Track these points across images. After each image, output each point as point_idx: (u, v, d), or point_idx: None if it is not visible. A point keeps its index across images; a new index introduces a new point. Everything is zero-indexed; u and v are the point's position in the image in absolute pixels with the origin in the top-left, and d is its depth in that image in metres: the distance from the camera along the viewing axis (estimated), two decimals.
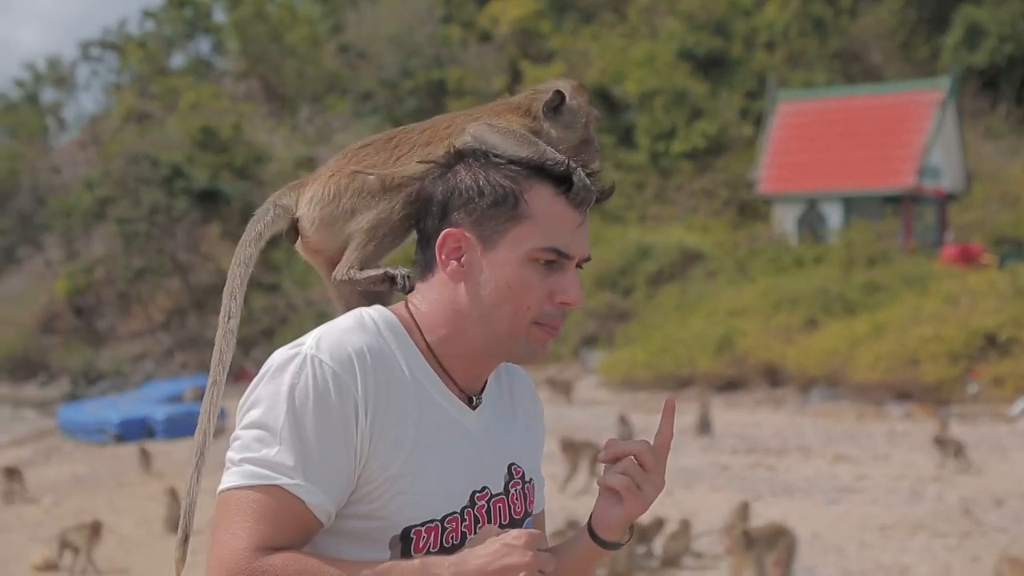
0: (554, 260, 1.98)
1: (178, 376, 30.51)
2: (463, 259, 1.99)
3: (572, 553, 2.12)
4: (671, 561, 10.58)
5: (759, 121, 37.00)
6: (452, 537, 1.98)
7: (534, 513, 2.20)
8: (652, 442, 2.04)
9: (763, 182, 34.01)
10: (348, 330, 1.96)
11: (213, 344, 2.11)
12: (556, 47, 42.84)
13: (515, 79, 42.83)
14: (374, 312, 2.02)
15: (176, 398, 24.52)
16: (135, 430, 21.75)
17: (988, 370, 21.58)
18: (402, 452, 1.93)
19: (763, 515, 11.72)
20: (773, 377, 23.94)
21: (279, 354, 1.94)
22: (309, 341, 1.93)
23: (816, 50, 40.23)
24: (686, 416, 20.28)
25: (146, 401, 24.68)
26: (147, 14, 54.18)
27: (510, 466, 2.09)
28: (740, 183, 36.15)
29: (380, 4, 47.54)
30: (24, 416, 30.67)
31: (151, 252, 40.13)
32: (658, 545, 10.98)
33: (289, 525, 1.87)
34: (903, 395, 21.84)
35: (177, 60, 54.55)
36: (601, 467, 2.08)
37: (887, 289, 25.64)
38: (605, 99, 39.87)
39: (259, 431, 1.89)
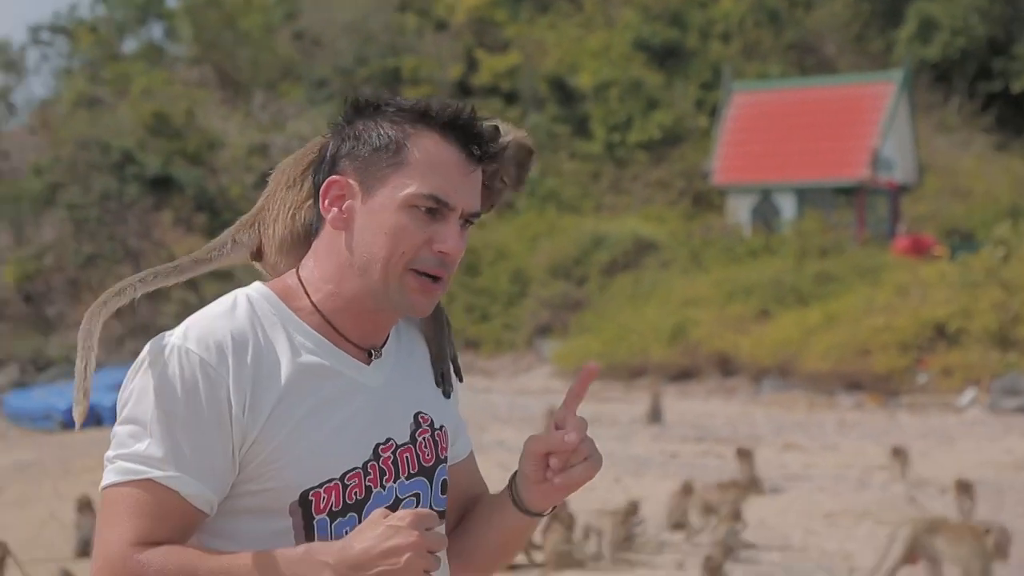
0: (435, 208, 1.94)
1: (128, 364, 30.27)
2: (345, 206, 1.96)
3: (495, 527, 2.12)
4: (620, 545, 10.63)
5: (714, 112, 37.16)
6: (356, 492, 1.96)
7: (459, 458, 2.19)
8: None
9: (717, 173, 34.16)
10: (216, 316, 1.95)
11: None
12: (512, 36, 42.82)
13: (471, 68, 42.81)
14: (250, 290, 2.02)
15: None
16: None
17: (937, 361, 21.82)
18: (287, 424, 1.92)
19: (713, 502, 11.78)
20: (726, 367, 24.08)
21: (151, 345, 1.95)
22: (178, 331, 1.94)
23: (771, 42, 40.45)
24: (637, 405, 20.39)
25: (95, 388, 24.37)
26: None
27: (416, 415, 2.07)
28: (695, 174, 36.29)
29: None
30: None
31: (102, 239, 39.81)
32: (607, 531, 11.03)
33: (167, 518, 1.87)
34: (854, 385, 22.04)
35: (129, 45, 54.13)
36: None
37: (839, 280, 25.84)
38: (561, 89, 39.94)
39: (131, 426, 1.91)
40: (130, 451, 1.89)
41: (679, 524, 11.40)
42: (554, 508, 2.10)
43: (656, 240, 31.12)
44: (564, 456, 1.99)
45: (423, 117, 1.97)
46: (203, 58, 49.58)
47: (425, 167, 1.94)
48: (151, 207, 39.99)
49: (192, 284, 35.39)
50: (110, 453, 1.91)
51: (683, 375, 24.33)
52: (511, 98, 41.61)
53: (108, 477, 1.90)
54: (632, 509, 10.81)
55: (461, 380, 2.26)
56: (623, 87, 38.18)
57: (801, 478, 14.24)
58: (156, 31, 54.56)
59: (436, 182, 1.94)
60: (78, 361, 2.05)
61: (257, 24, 48.32)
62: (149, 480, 1.87)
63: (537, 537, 10.37)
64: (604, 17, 42.42)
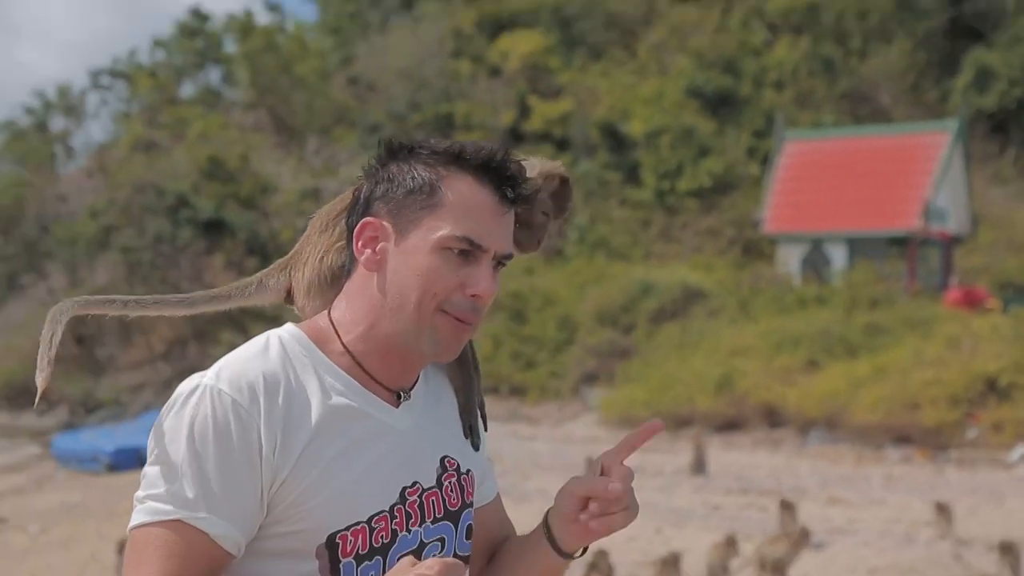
0: (468, 250, 1.96)
1: None
2: (378, 248, 1.98)
3: (525, 566, 2.12)
4: None
5: (766, 160, 37.07)
6: (382, 536, 1.97)
7: (486, 500, 2.20)
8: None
9: (768, 221, 34.03)
10: (249, 358, 1.96)
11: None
12: (565, 83, 43.01)
13: (523, 114, 43.02)
14: (282, 332, 2.03)
15: None
16: (129, 460, 21.73)
17: (988, 415, 21.51)
18: (316, 467, 1.93)
19: (749, 554, 11.67)
20: (772, 418, 23.87)
21: (183, 386, 1.96)
22: (211, 372, 1.95)
23: (825, 90, 40.33)
24: (682, 456, 20.25)
25: (142, 431, 24.57)
26: (157, 43, 54.55)
27: (443, 459, 2.08)
28: (745, 222, 36.17)
29: (390, 37, 47.82)
30: (20, 444, 30.68)
31: (154, 281, 40.19)
32: None
33: (196, 560, 1.87)
34: (902, 439, 21.76)
35: (187, 90, 54.89)
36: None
37: (889, 332, 25.58)
38: (612, 136, 40.02)
39: (162, 466, 1.91)
40: (160, 491, 1.89)
41: None
42: (584, 550, 2.10)
43: (704, 289, 31.00)
44: (605, 504, 1.99)
45: (457, 160, 1.98)
46: (259, 103, 50.18)
47: (458, 209, 1.95)
48: (203, 250, 40.41)
49: (242, 327, 35.65)
50: (140, 494, 1.92)
51: (729, 426, 24.14)
52: (563, 144, 41.74)
53: (137, 517, 1.91)
54: (673, 560, 10.72)
55: (486, 429, 2.27)
56: (674, 134, 38.19)
57: (846, 532, 14.06)
58: (213, 76, 55.33)
59: (469, 224, 1.95)
60: (45, 330, 2.12)
61: (313, 69, 48.86)
62: (178, 521, 1.87)
63: None
64: (657, 64, 42.53)
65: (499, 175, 1.99)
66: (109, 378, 38.97)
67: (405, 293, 1.96)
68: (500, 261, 2.01)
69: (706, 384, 24.91)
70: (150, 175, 41.71)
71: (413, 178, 1.97)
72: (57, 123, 54.91)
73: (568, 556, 2.08)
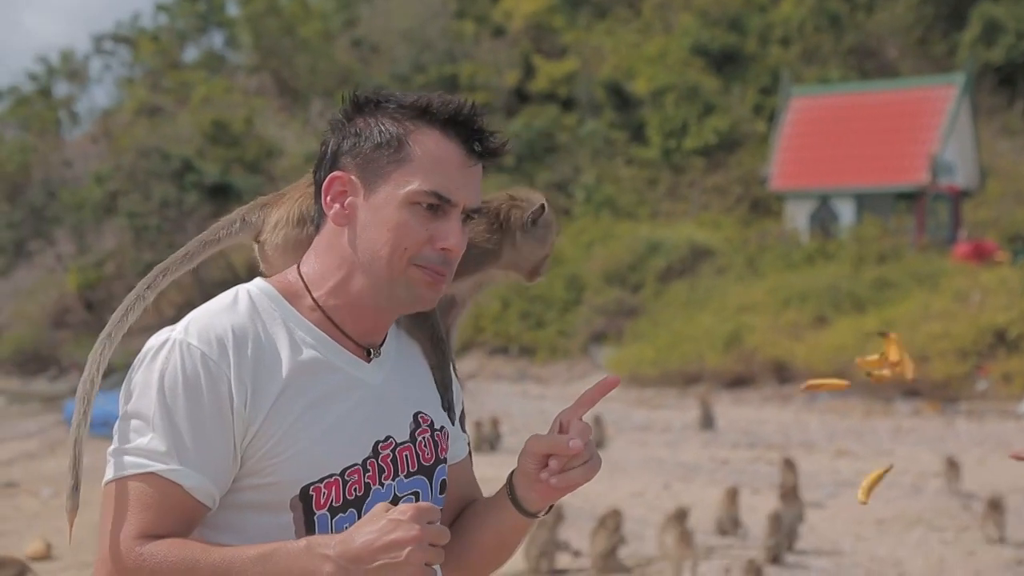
0: (437, 204, 1.96)
1: None
2: (347, 202, 1.98)
3: (490, 526, 2.13)
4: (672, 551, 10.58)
5: (772, 117, 36.96)
6: (356, 489, 1.98)
7: (456, 459, 2.20)
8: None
9: (775, 178, 33.97)
10: (217, 312, 1.98)
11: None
12: (569, 42, 42.88)
13: (528, 74, 42.92)
14: (251, 286, 2.04)
15: None
16: None
17: (997, 367, 21.56)
18: (287, 419, 1.94)
19: (760, 509, 11.76)
20: (781, 374, 23.94)
21: (153, 340, 1.96)
22: (179, 326, 1.96)
23: (831, 46, 40.18)
24: (691, 412, 20.34)
25: None
26: (160, 8, 54.39)
27: (416, 414, 2.09)
28: (752, 179, 36.13)
29: None
30: (32, 410, 30.83)
31: (162, 246, 40.23)
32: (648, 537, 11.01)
33: (170, 511, 1.89)
34: (911, 392, 21.82)
35: (190, 54, 54.78)
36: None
37: (897, 286, 25.61)
38: (618, 95, 39.92)
39: (134, 420, 1.92)
40: (133, 445, 1.90)
41: (725, 530, 11.37)
42: (549, 509, 2.10)
43: (712, 246, 31.00)
44: (564, 459, 1.99)
45: (424, 114, 1.98)
46: (262, 66, 50.07)
47: (427, 164, 1.96)
48: (209, 215, 40.39)
49: None
50: (112, 448, 1.93)
51: (738, 382, 24.21)
52: (568, 104, 41.65)
53: (110, 471, 1.92)
54: (680, 515, 10.77)
55: (461, 387, 2.28)
56: (680, 92, 38.08)
57: (853, 485, 14.10)
58: (217, 39, 55.20)
59: (437, 179, 1.95)
60: (72, 428, 2.02)
61: (316, 32, 48.71)
62: (152, 474, 1.88)
63: (583, 542, 10.41)
64: (662, 23, 42.37)
65: (467, 128, 1.99)
66: (120, 343, 39.03)
67: (376, 248, 1.96)
68: (468, 215, 2.01)
69: (715, 341, 24.97)
70: (155, 140, 41.69)
71: (380, 132, 1.98)
72: (61, 89, 54.90)
73: (532, 515, 2.08)
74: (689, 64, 39.10)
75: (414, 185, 1.95)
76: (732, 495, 11.32)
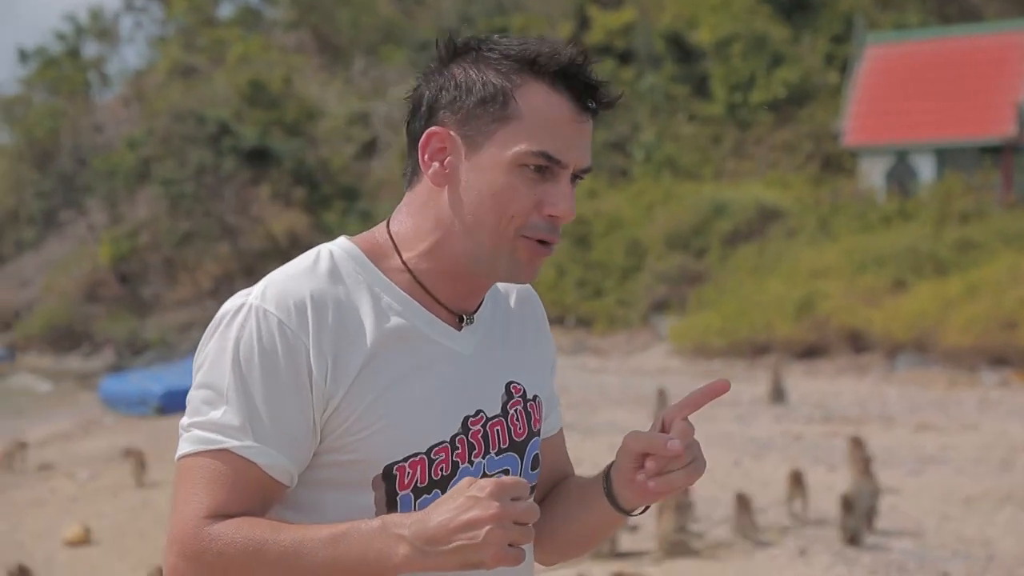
0: (545, 166, 1.91)
1: None
2: (446, 161, 1.93)
3: (582, 515, 2.11)
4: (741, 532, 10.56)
5: (845, 67, 36.60)
6: (442, 468, 1.95)
7: (548, 434, 2.18)
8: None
9: (849, 133, 33.69)
10: (296, 275, 1.94)
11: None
12: None
13: (583, 25, 42.73)
14: (333, 246, 2.00)
15: None
16: (178, 402, 21.96)
17: None
18: (371, 393, 1.91)
19: (837, 486, 11.69)
20: (857, 343, 23.80)
21: (228, 305, 1.93)
22: (256, 290, 1.92)
23: None
24: (760, 385, 20.25)
25: (191, 372, 24.72)
26: None
27: (508, 384, 2.05)
28: (824, 135, 35.83)
29: None
30: (66, 389, 31.23)
31: (198, 215, 40.59)
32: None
33: (244, 490, 1.86)
34: (999, 361, 21.62)
35: (224, 10, 55.18)
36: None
37: (982, 247, 25.36)
38: (679, 46, 39.67)
39: (207, 391, 1.89)
40: (206, 419, 1.87)
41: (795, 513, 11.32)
42: (646, 508, 2.07)
43: (781, 207, 30.79)
44: (663, 461, 1.95)
45: (532, 66, 1.93)
46: (301, 22, 50.18)
47: (535, 122, 1.91)
48: (248, 181, 40.68)
49: (290, 260, 35.60)
50: (185, 421, 1.90)
51: (810, 352, 24.08)
52: (625, 57, 41.43)
53: (183, 446, 1.89)
54: (745, 502, 10.72)
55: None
56: (746, 43, 37.77)
57: (937, 460, 14.02)
58: None
59: (546, 138, 1.91)
60: None
61: None
62: (225, 450, 1.85)
63: (649, 522, 10.40)
64: None
65: (577, 81, 1.94)
66: (155, 318, 39.48)
67: (479, 213, 1.92)
68: (577, 175, 1.97)
69: (785, 309, 24.83)
70: (189, 102, 41.95)
71: (484, 86, 1.92)
72: (90, 49, 55.29)
73: (627, 513, 2.05)
74: (755, 11, 38.76)
75: (521, 146, 1.91)
76: (797, 479, 11.20)
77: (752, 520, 10.58)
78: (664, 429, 1.97)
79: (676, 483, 1.97)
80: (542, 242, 1.95)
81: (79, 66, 53.91)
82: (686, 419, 1.97)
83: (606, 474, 2.05)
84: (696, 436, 1.97)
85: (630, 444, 1.98)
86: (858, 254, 26.19)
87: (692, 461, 1.96)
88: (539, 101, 1.92)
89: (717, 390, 1.98)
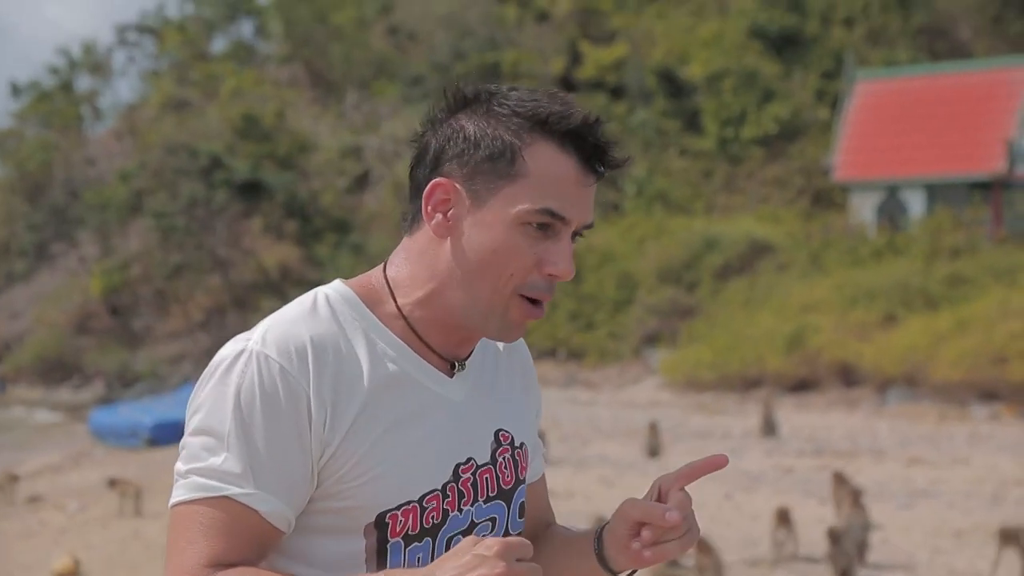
0: (548, 223, 1.91)
1: None
2: (450, 213, 1.93)
3: (569, 570, 2.10)
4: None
5: (836, 103, 36.76)
6: (433, 516, 1.95)
7: (531, 480, 2.18)
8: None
9: (839, 168, 33.79)
10: (296, 320, 1.93)
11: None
12: (618, 26, 42.82)
13: (574, 61, 42.91)
14: (329, 290, 1.99)
15: None
16: (169, 434, 22.01)
17: None
18: (368, 439, 1.90)
19: (828, 520, 11.69)
20: (848, 377, 23.80)
21: (226, 350, 1.91)
22: (256, 335, 1.91)
23: (899, 26, 39.90)
24: (751, 418, 20.26)
25: (182, 404, 24.71)
26: None
27: (497, 432, 2.05)
28: (815, 170, 35.95)
29: None
30: (55, 421, 31.14)
31: (190, 247, 40.58)
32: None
33: (243, 538, 1.85)
34: (989, 395, 21.64)
35: (218, 44, 55.18)
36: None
37: (972, 282, 25.41)
38: (670, 81, 39.84)
39: (206, 437, 1.87)
40: (205, 465, 1.85)
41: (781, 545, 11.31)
42: (633, 572, 2.05)
43: (772, 242, 30.86)
44: (659, 531, 1.93)
45: (542, 126, 1.92)
46: (294, 56, 50.33)
47: (541, 181, 1.90)
48: (240, 214, 40.68)
49: (281, 293, 35.85)
50: (181, 467, 1.87)
51: (801, 386, 24.10)
52: (617, 92, 41.61)
53: (179, 493, 1.86)
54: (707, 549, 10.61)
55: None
56: (737, 78, 37.94)
57: (928, 494, 14.03)
58: (246, 29, 55.56)
59: (552, 197, 1.90)
60: None
61: (350, 19, 48.91)
62: (226, 498, 1.84)
63: None
64: (717, 3, 42.23)
65: (587, 143, 1.93)
66: (146, 350, 39.43)
67: (479, 269, 1.92)
68: (578, 231, 1.97)
69: (776, 342, 24.85)
70: (182, 135, 41.99)
71: (493, 141, 1.92)
72: (83, 83, 55.42)
73: (615, 574, 2.03)
74: (746, 48, 38.94)
75: (526, 204, 1.90)
76: (783, 516, 11.15)
77: (717, 560, 10.45)
78: (660, 498, 1.96)
79: (671, 552, 1.95)
80: (535, 301, 1.95)
81: (72, 100, 54.03)
82: (683, 489, 1.95)
83: (598, 536, 2.04)
84: (690, 512, 1.96)
85: (627, 512, 1.96)
86: (849, 288, 26.23)
87: (687, 531, 1.94)
88: (547, 161, 1.91)
89: (715, 464, 1.96)
